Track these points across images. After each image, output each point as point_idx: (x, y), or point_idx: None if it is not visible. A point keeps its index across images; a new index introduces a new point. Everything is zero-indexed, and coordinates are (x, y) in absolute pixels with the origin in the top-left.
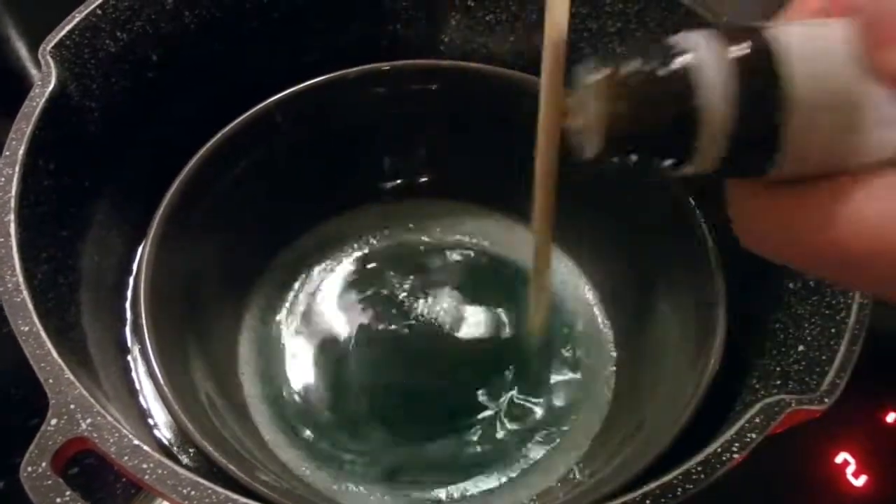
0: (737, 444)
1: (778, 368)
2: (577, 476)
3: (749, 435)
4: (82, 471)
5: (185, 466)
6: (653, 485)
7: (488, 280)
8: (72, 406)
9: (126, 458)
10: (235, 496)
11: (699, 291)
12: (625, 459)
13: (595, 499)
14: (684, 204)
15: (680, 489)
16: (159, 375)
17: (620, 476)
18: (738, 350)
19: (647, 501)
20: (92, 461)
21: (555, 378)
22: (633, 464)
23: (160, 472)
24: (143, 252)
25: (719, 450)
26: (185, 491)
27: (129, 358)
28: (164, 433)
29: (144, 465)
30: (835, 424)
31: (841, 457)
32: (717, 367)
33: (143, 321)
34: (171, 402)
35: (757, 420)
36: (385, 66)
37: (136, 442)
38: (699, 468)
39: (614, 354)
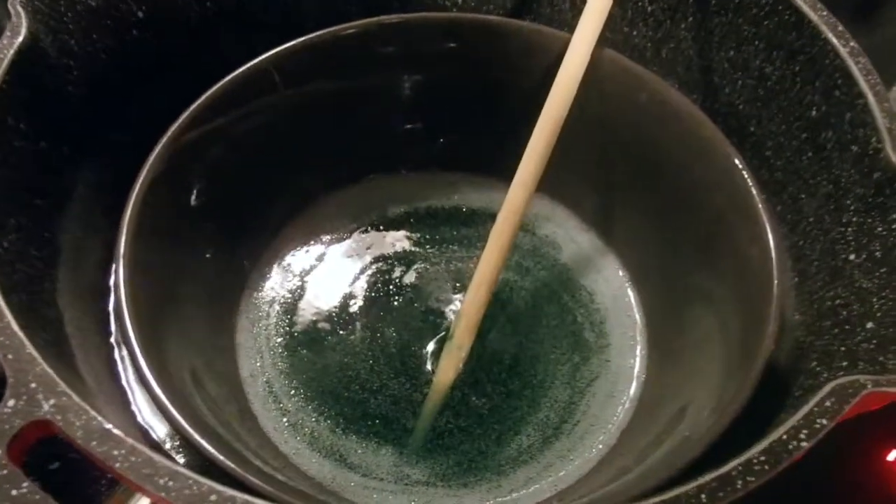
0: (805, 432)
1: (842, 349)
2: (608, 470)
3: (819, 421)
4: (64, 467)
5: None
6: (708, 477)
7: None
8: (32, 385)
9: (94, 443)
10: (221, 487)
11: (747, 265)
12: (666, 452)
13: (638, 494)
14: (729, 161)
15: (740, 482)
16: (139, 355)
17: (662, 470)
18: (789, 330)
19: (703, 496)
20: (75, 455)
21: (578, 364)
22: (675, 456)
23: (133, 459)
24: (123, 221)
25: (785, 437)
26: (161, 481)
27: (112, 341)
28: (158, 433)
29: (115, 452)
30: (888, 418)
31: (894, 454)
32: (771, 348)
33: (122, 294)
34: (152, 385)
35: (827, 404)
36: (393, 18)
37: (106, 426)
38: (762, 458)
39: (646, 338)
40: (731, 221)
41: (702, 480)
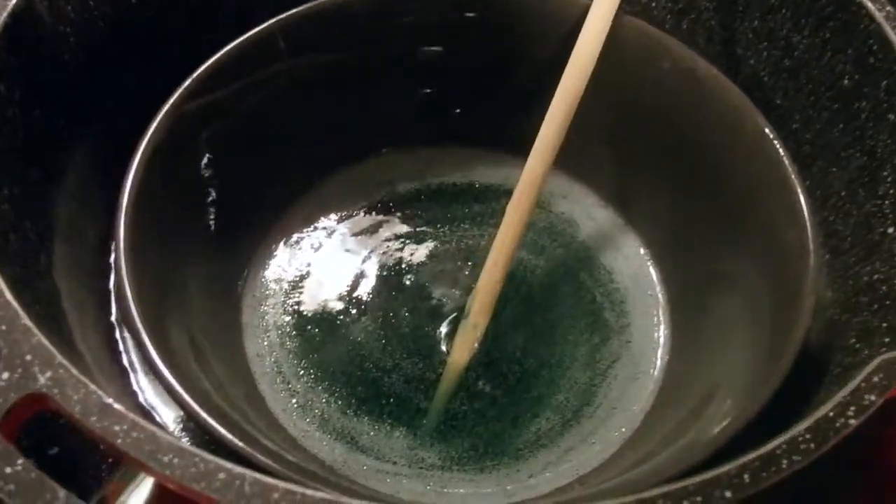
0: (853, 408)
1: (884, 324)
2: (632, 455)
3: (867, 397)
4: (63, 451)
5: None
6: (751, 455)
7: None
8: (28, 357)
9: (94, 418)
10: (230, 465)
11: (779, 238)
12: (695, 435)
13: (672, 476)
14: (759, 131)
15: (785, 461)
16: (142, 334)
17: (692, 454)
18: (821, 308)
19: (746, 475)
20: (74, 440)
21: (598, 345)
22: (707, 439)
23: (135, 435)
24: (123, 194)
25: (831, 414)
26: (165, 459)
27: (113, 320)
28: (161, 415)
29: (117, 428)
30: None
31: None
32: (808, 324)
33: (123, 271)
34: (157, 364)
35: (875, 379)
36: None
37: (107, 400)
38: (807, 436)
39: (668, 318)
40: (762, 194)
41: (744, 459)
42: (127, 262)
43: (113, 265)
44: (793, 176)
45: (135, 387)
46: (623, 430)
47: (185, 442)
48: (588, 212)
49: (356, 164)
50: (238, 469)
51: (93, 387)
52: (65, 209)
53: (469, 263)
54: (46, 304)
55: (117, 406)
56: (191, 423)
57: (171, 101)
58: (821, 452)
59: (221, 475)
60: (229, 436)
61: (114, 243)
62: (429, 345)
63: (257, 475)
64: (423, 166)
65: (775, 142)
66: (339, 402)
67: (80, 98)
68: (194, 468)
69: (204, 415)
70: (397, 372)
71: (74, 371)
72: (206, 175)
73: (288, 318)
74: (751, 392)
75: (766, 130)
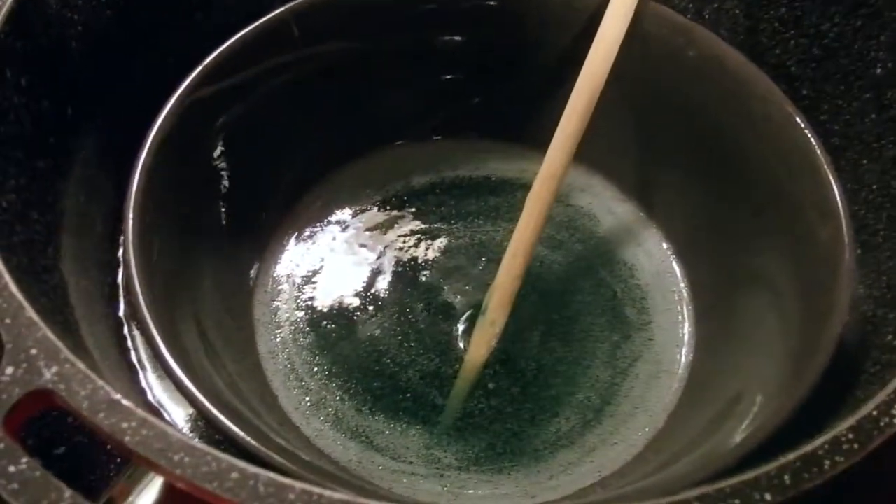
0: None
1: None
2: (656, 456)
3: None
4: (70, 451)
5: None
6: (791, 456)
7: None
8: (33, 351)
9: (102, 415)
10: (243, 464)
11: (810, 231)
12: (724, 436)
13: (705, 476)
14: (789, 120)
15: (827, 461)
16: (152, 330)
17: (723, 456)
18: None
19: (786, 476)
20: (82, 439)
21: (619, 342)
22: (738, 441)
23: (145, 432)
24: (132, 186)
25: (875, 413)
26: (176, 457)
27: (121, 315)
28: (171, 413)
29: (125, 425)
30: None
31: None
32: (845, 320)
33: (132, 266)
34: (167, 360)
35: None
36: None
37: (115, 396)
38: (850, 435)
39: (693, 315)
40: (792, 186)
41: (784, 460)
42: (136, 256)
43: (122, 259)
44: (825, 166)
45: (143, 384)
46: (646, 429)
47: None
48: (608, 205)
49: (370, 156)
50: (252, 469)
51: (100, 382)
52: (73, 200)
53: (484, 259)
54: (53, 297)
55: (126, 403)
56: (201, 422)
57: (183, 87)
58: (865, 453)
59: (234, 474)
60: (242, 434)
61: (122, 236)
62: (444, 342)
63: (272, 474)
64: (438, 158)
65: (806, 131)
66: (354, 401)
67: (88, 86)
68: (206, 467)
69: (215, 412)
70: (413, 368)
71: (81, 366)
72: (218, 165)
73: (301, 314)
74: (783, 391)
75: (798, 119)
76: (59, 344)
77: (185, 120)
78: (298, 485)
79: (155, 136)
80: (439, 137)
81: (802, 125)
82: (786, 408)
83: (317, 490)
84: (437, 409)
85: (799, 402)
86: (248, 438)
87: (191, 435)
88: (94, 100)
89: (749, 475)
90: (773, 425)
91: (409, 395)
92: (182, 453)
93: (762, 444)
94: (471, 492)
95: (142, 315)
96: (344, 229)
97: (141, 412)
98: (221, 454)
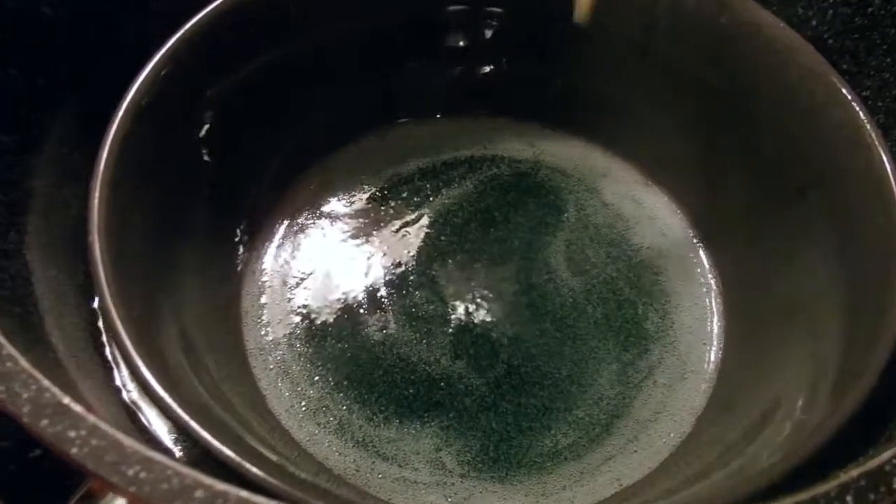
0: None
1: None
2: (684, 468)
3: None
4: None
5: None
6: (854, 473)
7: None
8: None
9: (45, 421)
10: (209, 480)
11: (859, 217)
12: (763, 446)
13: (747, 493)
14: (835, 92)
15: None
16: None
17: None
18: None
19: (848, 497)
20: None
21: (640, 335)
22: (780, 453)
23: (94, 443)
24: (100, 159)
25: None
26: (130, 472)
27: (96, 307)
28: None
29: (72, 434)
30: None
31: None
32: None
33: (97, 247)
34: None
35: None
36: None
37: (63, 400)
38: None
39: (721, 308)
40: (837, 166)
41: (846, 478)
42: (102, 241)
43: (88, 242)
44: (877, 144)
45: (118, 382)
46: (671, 435)
47: (177, 454)
48: (629, 190)
49: (370, 135)
50: (220, 486)
51: (46, 383)
52: (41, 181)
53: (484, 257)
54: (11, 286)
55: (76, 407)
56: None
57: (159, 55)
58: None
59: (199, 493)
60: (219, 445)
61: (88, 215)
62: (445, 332)
63: (243, 493)
64: (439, 137)
65: (854, 104)
66: (350, 401)
67: (64, 55)
68: (166, 484)
69: (186, 417)
70: (416, 365)
71: (25, 364)
72: (204, 141)
73: (290, 307)
74: (829, 396)
75: (844, 91)
76: (3, 339)
77: (163, 92)
78: None
79: (132, 98)
80: (442, 115)
81: (850, 97)
82: (837, 417)
83: None
84: (445, 410)
85: (852, 410)
86: (227, 451)
87: (173, 441)
88: (72, 71)
89: (803, 496)
90: (821, 436)
91: (409, 396)
92: (138, 467)
93: (812, 456)
94: (477, 502)
95: (106, 306)
96: (338, 215)
97: (92, 419)
98: (184, 468)
